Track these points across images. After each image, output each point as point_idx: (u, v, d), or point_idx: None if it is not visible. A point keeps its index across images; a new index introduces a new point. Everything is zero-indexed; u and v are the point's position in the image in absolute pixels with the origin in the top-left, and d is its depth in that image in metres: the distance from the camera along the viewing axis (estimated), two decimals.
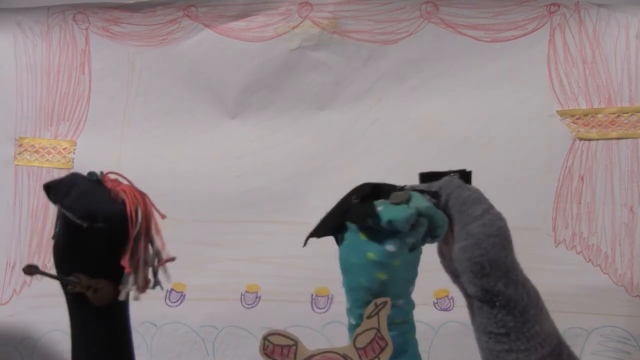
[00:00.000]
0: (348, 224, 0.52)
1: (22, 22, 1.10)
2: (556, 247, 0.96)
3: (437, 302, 0.96)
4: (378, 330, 0.49)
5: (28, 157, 1.08)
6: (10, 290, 1.05)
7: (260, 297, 1.01)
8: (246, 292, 1.01)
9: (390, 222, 0.48)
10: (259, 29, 1.05)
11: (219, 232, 1.03)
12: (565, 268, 0.94)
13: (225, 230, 1.03)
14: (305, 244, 0.53)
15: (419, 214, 0.49)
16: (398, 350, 0.50)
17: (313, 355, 0.49)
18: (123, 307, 0.62)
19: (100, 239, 0.58)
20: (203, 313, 1.01)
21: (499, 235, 0.49)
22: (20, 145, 1.09)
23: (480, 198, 0.51)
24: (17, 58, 1.10)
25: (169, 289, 1.02)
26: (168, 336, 1.01)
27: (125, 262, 0.58)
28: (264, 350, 0.49)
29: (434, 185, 0.52)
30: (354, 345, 0.49)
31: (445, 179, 0.53)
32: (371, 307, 0.49)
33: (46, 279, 0.58)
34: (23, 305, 1.04)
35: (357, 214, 0.51)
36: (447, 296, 0.96)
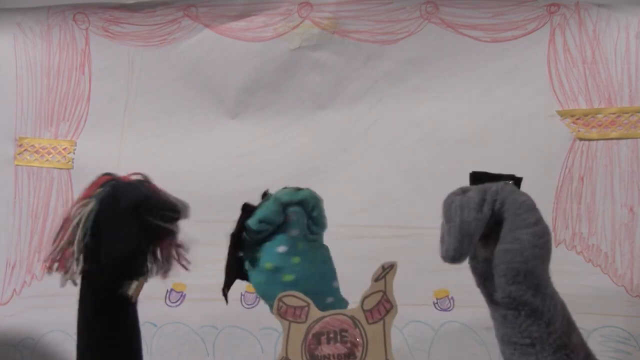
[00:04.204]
0: (245, 262, 0.54)
1: (22, 22, 1.10)
2: (556, 247, 0.95)
3: (437, 302, 0.96)
4: (384, 293, 0.49)
5: (28, 157, 1.08)
6: (10, 290, 1.05)
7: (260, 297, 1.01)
8: (246, 292, 1.01)
9: (261, 220, 0.49)
10: (259, 29, 1.05)
11: (219, 232, 1.02)
12: (565, 268, 0.94)
13: (225, 230, 1.02)
14: (227, 300, 0.55)
15: (282, 202, 0.51)
16: None
17: (324, 317, 0.51)
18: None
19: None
20: (203, 313, 1.01)
21: (543, 248, 0.48)
22: (20, 145, 1.09)
23: (533, 206, 0.50)
24: (17, 58, 1.10)
25: (169, 289, 1.02)
26: (168, 336, 1.01)
27: (174, 253, 0.65)
28: (278, 310, 0.50)
29: (491, 187, 0.51)
30: (362, 307, 0.50)
31: (500, 183, 0.52)
32: (378, 270, 0.49)
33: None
34: (23, 305, 1.04)
35: (240, 243, 0.54)
36: (447, 296, 0.95)
